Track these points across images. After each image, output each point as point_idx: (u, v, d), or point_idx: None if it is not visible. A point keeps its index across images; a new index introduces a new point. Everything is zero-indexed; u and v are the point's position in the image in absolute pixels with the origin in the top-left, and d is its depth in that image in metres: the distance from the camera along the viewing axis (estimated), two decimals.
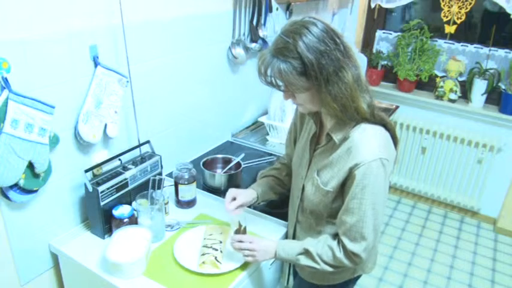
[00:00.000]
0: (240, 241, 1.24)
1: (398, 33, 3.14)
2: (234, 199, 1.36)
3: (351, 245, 1.13)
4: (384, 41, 3.28)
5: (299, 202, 1.30)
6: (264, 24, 2.03)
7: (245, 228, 1.29)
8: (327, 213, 1.22)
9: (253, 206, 1.61)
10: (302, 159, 1.28)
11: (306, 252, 1.20)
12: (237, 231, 1.28)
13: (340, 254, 1.15)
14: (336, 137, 1.13)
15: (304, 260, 1.20)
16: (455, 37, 2.98)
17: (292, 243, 1.25)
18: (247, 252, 1.23)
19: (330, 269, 1.19)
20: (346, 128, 1.12)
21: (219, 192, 1.70)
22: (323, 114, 1.20)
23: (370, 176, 1.06)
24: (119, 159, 1.47)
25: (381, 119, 1.13)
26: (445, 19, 2.93)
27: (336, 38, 1.02)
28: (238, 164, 1.80)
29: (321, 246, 1.18)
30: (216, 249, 1.30)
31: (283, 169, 1.49)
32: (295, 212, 1.34)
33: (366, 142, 1.08)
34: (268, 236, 1.44)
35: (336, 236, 1.20)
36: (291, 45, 1.00)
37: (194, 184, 1.58)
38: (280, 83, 1.08)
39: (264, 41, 2.03)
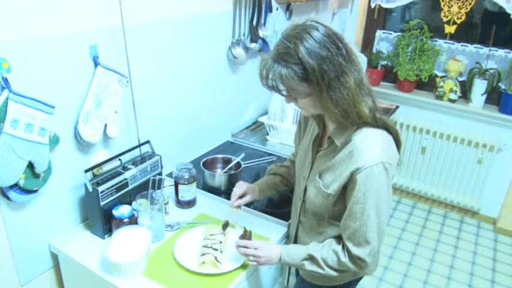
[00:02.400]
0: (245, 246, 1.24)
1: (398, 33, 3.14)
2: (242, 195, 1.40)
3: (355, 250, 1.12)
4: (384, 41, 3.28)
5: (301, 203, 1.30)
6: (264, 24, 2.03)
7: (250, 232, 1.28)
8: (328, 215, 1.22)
9: (254, 206, 1.61)
10: (305, 160, 1.28)
11: (311, 258, 1.19)
12: (243, 236, 1.27)
13: (345, 259, 1.15)
14: (338, 141, 1.12)
15: (309, 266, 1.20)
16: (455, 37, 2.98)
17: (297, 249, 1.24)
18: (252, 258, 1.23)
19: (334, 273, 1.19)
20: (348, 131, 1.11)
21: (219, 192, 1.70)
22: (326, 117, 1.20)
23: (372, 180, 1.06)
24: (119, 159, 1.47)
25: (383, 122, 1.12)
26: (445, 19, 2.93)
27: (338, 42, 1.01)
28: (238, 164, 1.80)
29: (326, 251, 1.18)
30: (216, 249, 1.30)
31: (292, 168, 1.49)
32: (297, 213, 1.34)
33: (367, 146, 1.08)
34: (269, 235, 1.44)
35: (340, 239, 1.19)
36: (292, 50, 0.99)
37: (194, 184, 1.58)
38: (282, 88, 1.07)
39: (264, 41, 2.03)
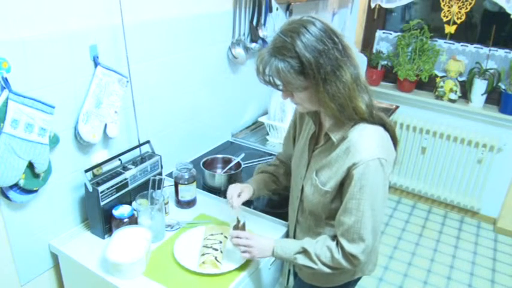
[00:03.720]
0: (238, 237, 1.24)
1: (398, 33, 3.14)
2: (239, 195, 1.39)
3: (349, 247, 1.12)
4: (384, 41, 3.28)
5: (299, 202, 1.30)
6: (264, 24, 2.03)
7: (244, 224, 1.29)
8: (326, 215, 1.22)
9: (254, 206, 1.61)
10: (301, 159, 1.28)
11: (304, 252, 1.19)
12: (236, 227, 1.28)
13: (338, 256, 1.15)
14: (334, 137, 1.13)
15: (301, 259, 1.19)
16: (455, 37, 2.98)
17: (290, 242, 1.25)
18: (244, 248, 1.23)
19: (327, 270, 1.18)
20: (345, 127, 1.12)
21: (219, 192, 1.70)
22: (322, 114, 1.20)
23: (368, 175, 1.06)
24: (119, 159, 1.47)
25: (380, 119, 1.13)
26: (445, 19, 2.93)
27: (334, 37, 1.02)
28: (238, 164, 1.80)
29: (320, 247, 1.18)
30: (216, 249, 1.30)
31: (280, 166, 1.49)
32: (295, 213, 1.34)
33: (364, 142, 1.08)
34: (269, 235, 1.43)
35: (335, 237, 1.19)
36: (289, 44, 1.00)
37: (194, 184, 1.58)
38: (279, 82, 1.07)
39: (264, 41, 2.03)
